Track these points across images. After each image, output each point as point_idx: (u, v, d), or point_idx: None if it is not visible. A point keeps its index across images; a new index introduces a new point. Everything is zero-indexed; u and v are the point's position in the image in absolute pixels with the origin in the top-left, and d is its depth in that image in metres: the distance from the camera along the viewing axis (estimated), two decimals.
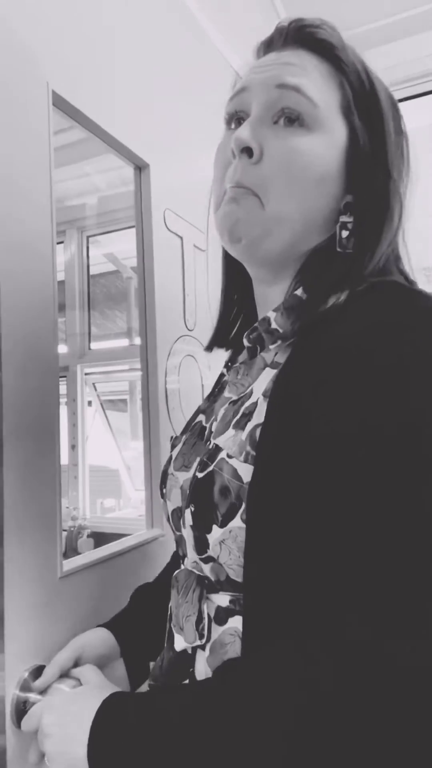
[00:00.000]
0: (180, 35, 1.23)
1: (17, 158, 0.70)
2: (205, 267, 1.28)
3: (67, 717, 0.53)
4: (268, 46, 0.62)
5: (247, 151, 0.55)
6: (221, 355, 1.43)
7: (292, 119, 0.56)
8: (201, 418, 0.68)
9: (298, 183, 0.55)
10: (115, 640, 0.70)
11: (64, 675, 0.65)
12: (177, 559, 0.75)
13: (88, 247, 2.06)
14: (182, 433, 0.70)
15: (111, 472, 2.25)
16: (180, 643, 0.57)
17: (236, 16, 1.70)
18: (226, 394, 0.62)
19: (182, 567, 0.61)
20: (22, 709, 0.63)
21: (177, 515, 0.62)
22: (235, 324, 0.72)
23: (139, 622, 0.73)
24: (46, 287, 0.74)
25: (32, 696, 0.63)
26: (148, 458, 1.04)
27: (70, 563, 0.77)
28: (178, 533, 0.62)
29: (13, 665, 0.64)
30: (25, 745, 0.63)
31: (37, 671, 0.66)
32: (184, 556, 0.61)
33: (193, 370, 1.21)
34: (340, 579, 0.44)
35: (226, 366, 0.72)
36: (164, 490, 0.65)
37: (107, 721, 0.50)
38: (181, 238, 1.17)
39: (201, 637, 0.55)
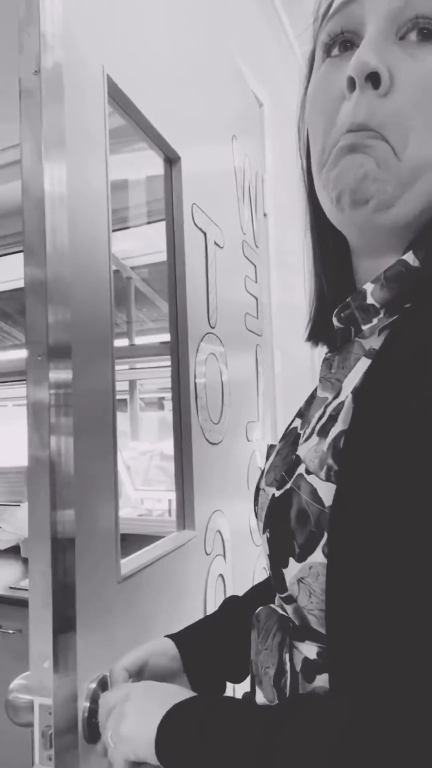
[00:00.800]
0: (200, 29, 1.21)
1: (75, 145, 0.67)
2: (224, 264, 1.27)
3: (153, 694, 0.50)
4: None
5: (373, 79, 0.41)
6: (238, 353, 1.41)
7: (429, 31, 0.42)
8: (297, 423, 0.57)
9: None
10: (178, 653, 0.64)
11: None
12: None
13: None
14: (280, 440, 0.60)
15: None
16: (260, 698, 0.48)
17: (239, 17, 1.69)
18: (320, 393, 0.51)
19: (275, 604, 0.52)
20: (93, 722, 0.60)
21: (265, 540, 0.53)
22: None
23: (208, 639, 0.66)
24: (104, 281, 0.71)
25: None
26: (179, 457, 1.02)
27: (123, 567, 0.74)
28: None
29: (83, 677, 0.61)
30: (98, 761, 0.60)
31: (103, 681, 0.63)
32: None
33: (215, 368, 1.19)
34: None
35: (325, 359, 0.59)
36: (256, 509, 0.56)
37: (177, 716, 0.46)
38: (205, 233, 1.15)
39: (281, 695, 0.45)
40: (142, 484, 2.02)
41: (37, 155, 0.59)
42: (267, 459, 0.59)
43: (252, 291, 1.55)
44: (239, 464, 1.32)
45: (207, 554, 1.06)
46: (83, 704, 0.60)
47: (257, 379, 1.58)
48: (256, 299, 1.60)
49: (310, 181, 0.54)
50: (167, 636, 0.66)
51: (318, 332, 0.58)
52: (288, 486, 0.44)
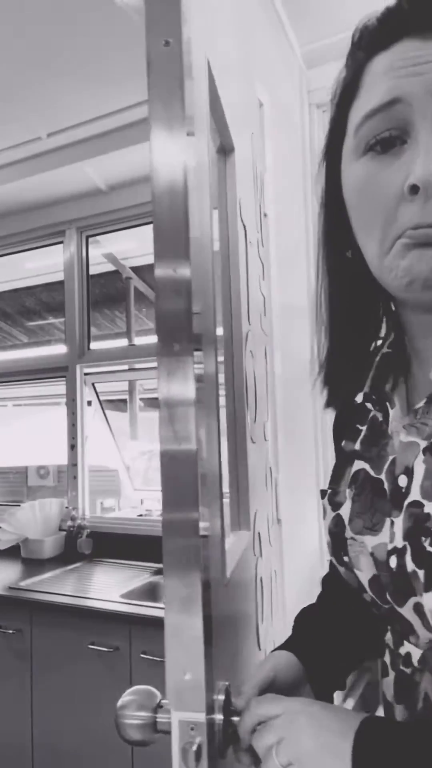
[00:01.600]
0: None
1: (198, 126, 0.63)
2: (252, 261, 1.25)
3: (325, 717, 0.49)
4: (398, 29, 0.49)
5: None
6: (258, 353, 1.39)
7: None
8: (363, 466, 0.60)
9: None
10: (300, 664, 0.64)
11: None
12: (333, 583, 0.71)
13: (87, 247, 1.95)
14: (334, 483, 0.63)
15: (110, 472, 2.13)
16: None
17: (241, 16, 1.68)
18: (405, 438, 0.55)
19: (420, 647, 0.54)
20: (231, 733, 0.56)
21: (379, 586, 0.55)
22: (358, 359, 0.64)
23: (323, 648, 0.66)
24: (208, 268, 0.67)
25: (235, 719, 0.57)
26: (234, 458, 0.99)
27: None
28: (386, 606, 0.55)
29: (215, 687, 0.57)
30: None
31: (228, 692, 0.59)
32: (408, 633, 0.54)
33: (250, 366, 1.17)
34: None
35: (369, 400, 0.63)
36: (346, 559, 0.59)
37: (374, 749, 0.46)
38: (246, 229, 1.13)
39: None
40: (142, 484, 1.97)
41: (172, 132, 0.55)
42: (334, 506, 0.60)
43: (262, 290, 1.55)
44: (263, 464, 1.31)
45: (254, 555, 1.04)
46: (218, 717, 0.56)
47: (266, 380, 1.57)
48: (265, 298, 1.59)
49: (331, 236, 0.62)
50: (280, 648, 0.66)
51: (337, 394, 0.64)
52: None
